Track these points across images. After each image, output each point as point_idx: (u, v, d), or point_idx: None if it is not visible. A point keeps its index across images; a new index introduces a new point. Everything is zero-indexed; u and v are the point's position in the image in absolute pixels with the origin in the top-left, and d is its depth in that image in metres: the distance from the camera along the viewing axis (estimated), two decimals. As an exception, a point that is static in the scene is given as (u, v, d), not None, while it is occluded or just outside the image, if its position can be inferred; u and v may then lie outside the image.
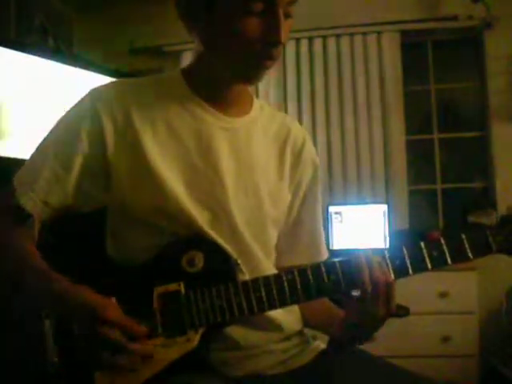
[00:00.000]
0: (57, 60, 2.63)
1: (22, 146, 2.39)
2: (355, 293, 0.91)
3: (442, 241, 0.91)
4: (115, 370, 0.85)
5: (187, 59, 3.25)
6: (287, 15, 0.90)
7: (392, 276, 0.90)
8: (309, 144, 1.12)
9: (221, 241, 0.94)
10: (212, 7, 0.89)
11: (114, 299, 0.87)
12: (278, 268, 1.05)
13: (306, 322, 1.09)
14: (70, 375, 0.90)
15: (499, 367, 2.66)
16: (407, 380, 0.95)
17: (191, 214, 0.93)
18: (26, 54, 2.48)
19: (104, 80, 1.02)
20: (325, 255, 1.13)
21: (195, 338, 0.88)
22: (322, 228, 1.16)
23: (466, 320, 2.58)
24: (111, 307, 0.84)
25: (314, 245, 1.14)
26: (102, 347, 0.82)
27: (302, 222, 1.12)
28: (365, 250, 0.91)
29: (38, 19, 2.94)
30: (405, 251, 0.91)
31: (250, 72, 0.95)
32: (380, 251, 0.91)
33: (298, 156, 1.09)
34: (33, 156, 0.99)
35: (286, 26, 0.89)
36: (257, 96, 3.08)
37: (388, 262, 0.90)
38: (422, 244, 0.91)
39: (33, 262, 0.92)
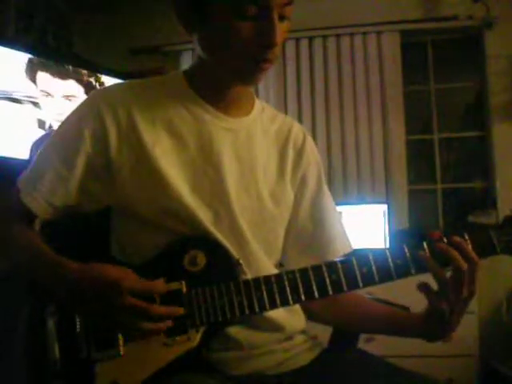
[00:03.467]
0: (57, 60, 2.63)
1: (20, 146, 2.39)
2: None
3: (445, 241, 0.90)
4: (143, 335, 0.87)
5: (187, 59, 3.26)
6: (282, 17, 0.91)
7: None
8: (309, 142, 1.13)
9: (223, 240, 0.94)
10: (207, 12, 0.90)
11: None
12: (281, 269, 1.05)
13: (360, 328, 1.13)
14: (72, 374, 0.90)
15: (499, 367, 2.66)
16: (407, 380, 0.95)
17: (195, 213, 0.93)
18: (26, 53, 2.48)
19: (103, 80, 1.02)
20: (343, 252, 1.11)
21: (196, 337, 0.88)
22: (338, 224, 1.13)
23: (466, 320, 2.56)
24: (130, 276, 0.86)
25: (330, 245, 1.11)
26: (132, 316, 0.84)
27: (315, 223, 1.11)
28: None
29: (38, 19, 2.94)
30: (406, 250, 0.90)
31: (247, 75, 0.96)
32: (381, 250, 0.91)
33: (299, 153, 1.10)
34: (37, 156, 1.00)
35: (281, 28, 0.90)
36: (257, 96, 3.08)
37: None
38: (425, 244, 0.90)
39: (44, 253, 0.92)
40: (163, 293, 0.87)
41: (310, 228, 1.11)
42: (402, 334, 1.06)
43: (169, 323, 0.87)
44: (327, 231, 1.11)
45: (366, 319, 1.10)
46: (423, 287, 0.91)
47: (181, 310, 0.87)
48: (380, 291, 1.05)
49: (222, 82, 0.99)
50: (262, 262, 1.00)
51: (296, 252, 1.10)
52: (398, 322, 1.06)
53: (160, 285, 0.88)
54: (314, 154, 1.14)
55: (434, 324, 0.96)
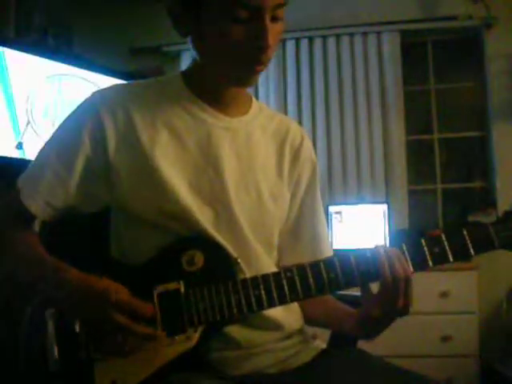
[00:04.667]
0: (57, 60, 2.63)
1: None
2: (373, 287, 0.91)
3: (443, 237, 0.90)
4: (121, 354, 0.87)
5: (187, 59, 3.26)
6: (275, 18, 0.91)
7: (411, 269, 0.89)
8: (307, 142, 1.13)
9: (222, 239, 0.94)
10: (199, 16, 0.91)
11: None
12: (280, 267, 1.05)
13: (310, 320, 1.10)
14: (71, 374, 0.90)
15: (499, 367, 2.66)
16: (407, 380, 0.94)
17: (194, 213, 0.93)
18: (26, 53, 2.48)
19: (104, 80, 1.03)
20: (327, 254, 1.12)
21: (194, 337, 0.88)
22: (324, 226, 1.15)
23: (466, 320, 2.58)
24: (120, 290, 0.86)
25: (316, 244, 1.13)
26: (112, 330, 0.85)
27: (303, 221, 1.12)
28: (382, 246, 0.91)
29: (38, 19, 2.94)
30: (404, 249, 0.90)
31: (241, 77, 0.96)
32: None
33: (296, 154, 1.10)
34: (36, 158, 1.00)
35: (273, 30, 0.90)
36: (257, 96, 3.09)
37: (407, 255, 0.90)
38: (423, 241, 0.90)
39: (43, 257, 0.93)
40: (146, 316, 0.86)
41: (297, 228, 1.11)
42: (340, 331, 1.08)
43: (152, 342, 0.87)
44: (314, 233, 1.13)
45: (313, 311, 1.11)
46: (365, 290, 0.93)
47: (159, 333, 0.87)
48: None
49: (218, 82, 1.00)
50: (262, 259, 1.00)
51: (285, 251, 1.11)
52: (337, 319, 1.07)
53: (147, 309, 0.87)
54: (310, 156, 1.13)
55: (363, 325, 0.98)
